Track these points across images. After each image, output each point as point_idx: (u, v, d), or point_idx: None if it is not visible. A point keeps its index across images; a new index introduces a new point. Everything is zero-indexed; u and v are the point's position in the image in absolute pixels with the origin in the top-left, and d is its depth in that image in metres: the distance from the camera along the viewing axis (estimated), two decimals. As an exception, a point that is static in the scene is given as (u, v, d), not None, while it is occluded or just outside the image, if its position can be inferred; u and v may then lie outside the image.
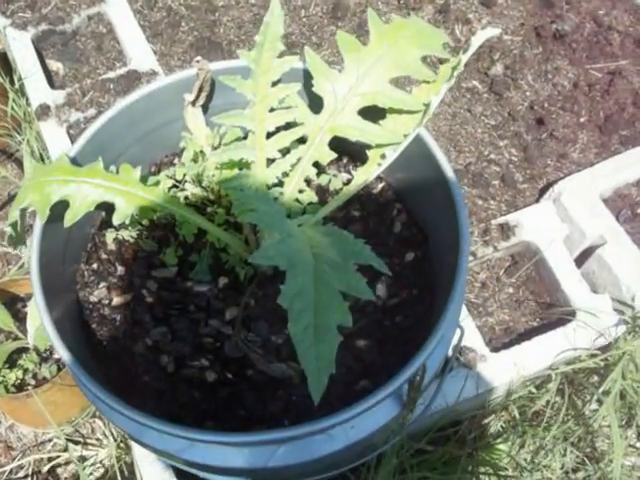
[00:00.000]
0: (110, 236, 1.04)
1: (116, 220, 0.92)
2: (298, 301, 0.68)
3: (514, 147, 1.62)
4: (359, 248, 0.74)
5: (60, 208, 0.90)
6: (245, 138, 1.02)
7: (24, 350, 1.49)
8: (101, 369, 0.95)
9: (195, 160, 1.03)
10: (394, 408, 0.89)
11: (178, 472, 1.21)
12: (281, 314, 1.00)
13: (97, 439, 1.55)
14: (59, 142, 1.53)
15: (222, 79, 0.97)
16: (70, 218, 0.90)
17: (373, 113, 0.99)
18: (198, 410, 0.92)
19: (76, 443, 1.55)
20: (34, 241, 0.91)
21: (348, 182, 1.10)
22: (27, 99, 1.69)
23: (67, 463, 1.55)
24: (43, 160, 1.72)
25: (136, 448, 1.24)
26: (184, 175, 1.05)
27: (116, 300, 1.00)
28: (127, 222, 0.95)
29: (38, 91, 1.62)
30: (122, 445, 1.49)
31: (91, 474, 1.38)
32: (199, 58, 1.01)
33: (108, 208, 0.97)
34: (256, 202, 0.77)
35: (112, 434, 1.51)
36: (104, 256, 1.05)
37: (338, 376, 0.96)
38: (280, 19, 0.96)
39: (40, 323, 1.38)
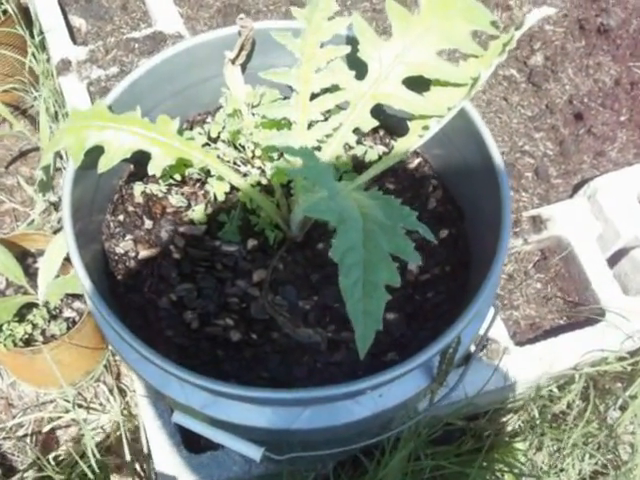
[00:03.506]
0: (138, 189, 1.08)
1: (151, 170, 0.96)
2: (349, 256, 0.69)
3: (550, 140, 1.66)
4: (406, 213, 0.77)
5: (91, 157, 0.94)
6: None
7: (33, 306, 1.52)
8: (124, 322, 0.97)
9: (233, 117, 1.06)
10: (423, 380, 0.93)
11: (186, 439, 1.25)
12: (310, 281, 1.05)
13: (100, 404, 1.59)
14: (78, 98, 1.57)
15: (274, 35, 1.01)
16: (105, 164, 0.94)
17: (417, 85, 1.02)
18: (220, 369, 0.95)
19: (79, 406, 1.59)
20: (66, 186, 0.94)
21: (384, 155, 1.13)
22: (47, 54, 1.74)
23: (67, 426, 1.58)
24: (57, 117, 1.76)
25: (144, 413, 1.27)
26: (219, 133, 1.10)
27: (142, 253, 1.04)
28: (158, 174, 0.99)
29: (60, 46, 1.67)
30: (125, 412, 1.52)
31: (92, 438, 1.41)
32: (243, 16, 1.05)
33: (138, 160, 1.01)
34: (303, 158, 0.80)
35: (116, 400, 1.55)
36: (131, 209, 1.08)
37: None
38: (336, -23, 1.00)
39: (52, 279, 1.44)
